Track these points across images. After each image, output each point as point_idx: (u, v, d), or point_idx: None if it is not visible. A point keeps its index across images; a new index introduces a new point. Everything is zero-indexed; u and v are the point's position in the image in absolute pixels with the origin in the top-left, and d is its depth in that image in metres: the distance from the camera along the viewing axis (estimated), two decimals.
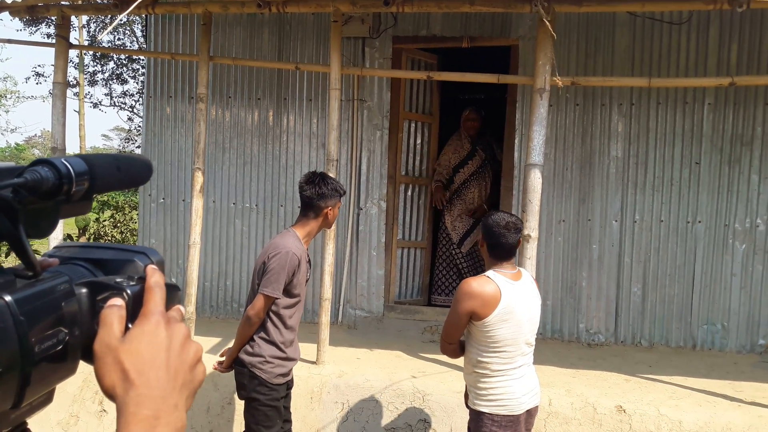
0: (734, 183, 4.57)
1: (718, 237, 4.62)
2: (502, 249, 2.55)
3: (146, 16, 5.25)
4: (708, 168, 4.60)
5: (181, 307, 0.65)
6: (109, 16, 9.32)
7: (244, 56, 5.27)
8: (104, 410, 4.09)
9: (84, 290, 0.59)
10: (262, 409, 2.84)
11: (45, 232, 0.57)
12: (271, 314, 2.81)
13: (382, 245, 5.14)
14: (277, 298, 2.75)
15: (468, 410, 2.76)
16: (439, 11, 4.08)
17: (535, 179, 3.55)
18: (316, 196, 2.79)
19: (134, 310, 0.60)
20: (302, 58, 5.16)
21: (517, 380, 2.56)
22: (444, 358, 4.24)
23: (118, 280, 0.61)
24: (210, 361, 4.03)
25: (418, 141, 5.41)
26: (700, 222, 4.64)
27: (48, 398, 0.59)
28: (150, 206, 5.54)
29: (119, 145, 17.57)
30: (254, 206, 5.31)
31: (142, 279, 0.62)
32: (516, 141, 4.82)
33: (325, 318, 3.99)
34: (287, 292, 2.79)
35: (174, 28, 5.45)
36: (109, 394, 0.58)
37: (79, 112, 12.53)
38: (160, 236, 5.51)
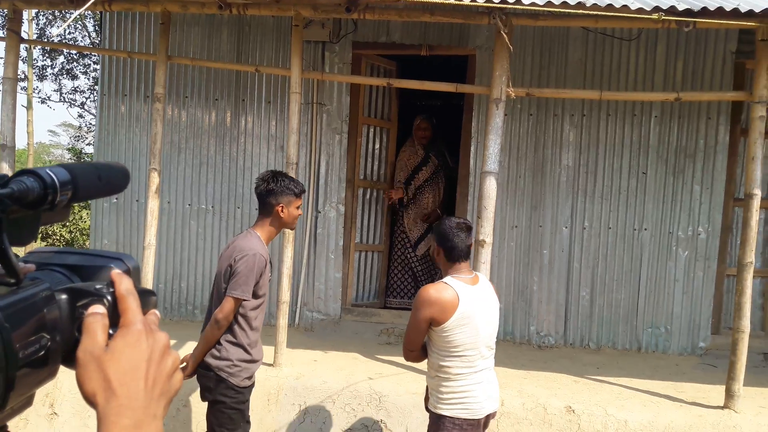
0: (678, 193, 4.78)
1: (663, 244, 4.82)
2: (457, 250, 2.59)
3: (101, 12, 5.12)
4: (654, 178, 4.79)
5: (157, 312, 0.67)
6: (62, 10, 9.01)
7: (202, 56, 5.20)
8: (55, 413, 3.97)
9: (64, 296, 0.60)
10: (228, 412, 2.83)
11: (26, 240, 0.58)
12: (238, 316, 2.81)
13: (340, 248, 5.16)
14: (246, 300, 2.76)
15: (428, 412, 2.80)
16: (399, 20, 4.14)
17: (491, 186, 3.64)
18: (266, 192, 2.81)
19: (113, 316, 0.61)
20: (261, 60, 5.13)
21: (478, 384, 2.60)
22: (401, 359, 4.29)
23: (98, 286, 0.62)
24: None
25: (377, 146, 5.45)
26: (645, 229, 4.82)
27: (28, 402, 0.60)
28: (102, 206, 5.40)
29: (68, 143, 17.00)
30: (210, 208, 5.25)
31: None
32: (472, 149, 4.92)
33: (283, 321, 3.98)
34: (254, 293, 2.79)
35: (130, 25, 5.33)
36: (90, 401, 0.59)
37: (27, 108, 12.06)
38: (113, 237, 5.38)
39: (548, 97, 4.69)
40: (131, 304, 0.62)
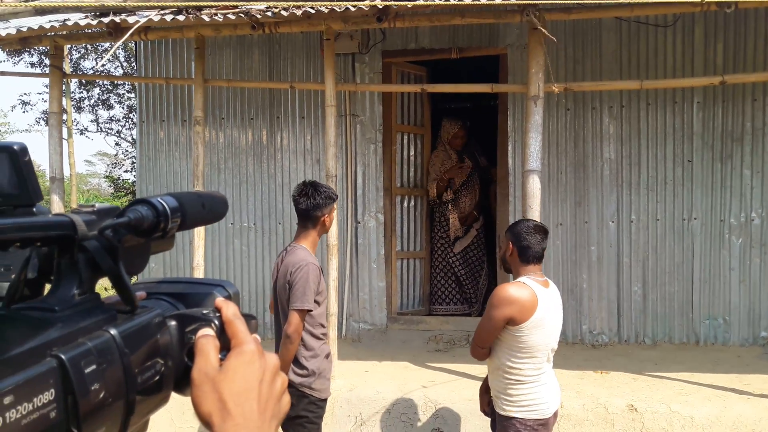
0: (727, 179, 4.65)
1: (715, 233, 4.69)
2: (532, 251, 2.58)
3: (135, 42, 5.27)
4: (700, 165, 4.68)
5: (258, 337, 0.67)
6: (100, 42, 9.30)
7: (235, 77, 5.29)
8: None
9: (173, 323, 0.62)
10: (309, 427, 2.88)
11: (138, 268, 0.60)
12: (308, 328, 2.85)
13: (382, 257, 5.16)
14: (310, 311, 2.78)
15: (486, 415, 2.77)
16: (430, 24, 4.14)
17: (534, 185, 3.60)
18: (312, 206, 2.82)
19: (221, 340, 0.62)
20: (293, 76, 5.19)
21: (543, 385, 2.59)
22: (451, 365, 4.28)
23: (205, 311, 0.63)
24: None
25: (411, 152, 5.45)
26: (695, 219, 4.70)
27: (144, 427, 0.61)
28: None
29: (106, 170, 17.50)
30: (252, 225, 5.32)
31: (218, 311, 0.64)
32: (509, 148, 4.87)
33: (333, 333, 3.99)
34: (316, 303, 2.82)
35: (164, 52, 5.47)
36: (206, 422, 0.60)
37: (67, 140, 12.47)
38: (159, 259, 5.48)
39: (585, 91, 4.63)
40: (240, 326, 0.63)
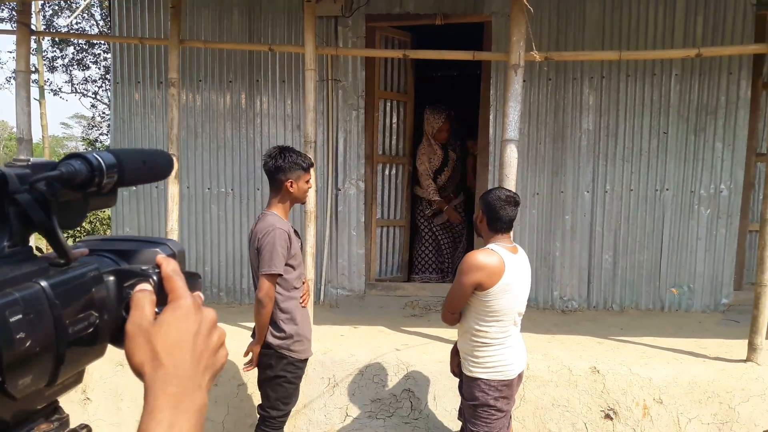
0: (700, 151, 4.73)
1: (685, 203, 4.80)
2: (502, 222, 2.64)
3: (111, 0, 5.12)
4: (675, 137, 4.75)
5: (201, 294, 0.69)
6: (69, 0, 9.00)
7: (214, 39, 5.19)
8: (88, 398, 4.09)
9: (111, 278, 0.63)
10: (287, 386, 2.94)
11: (74, 222, 0.61)
12: (283, 291, 2.87)
13: (362, 225, 5.19)
14: (279, 274, 2.79)
15: (456, 377, 2.86)
16: None
17: (511, 154, 3.63)
18: (274, 169, 2.82)
19: (159, 296, 0.64)
20: (274, 38, 5.11)
21: (509, 348, 2.68)
22: (425, 329, 4.36)
23: (144, 267, 0.65)
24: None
25: (394, 120, 5.43)
26: (667, 190, 4.80)
27: (78, 378, 0.63)
28: (122, 194, 5.45)
29: (82, 132, 17.12)
30: (230, 191, 5.29)
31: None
32: (491, 117, 4.89)
33: (310, 298, 4.03)
34: (290, 266, 2.84)
35: (139, 11, 5.33)
36: (138, 371, 0.62)
37: (39, 100, 12.13)
38: (134, 224, 5.44)
39: (567, 61, 4.65)
40: (178, 282, 0.65)
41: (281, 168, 2.81)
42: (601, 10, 4.70)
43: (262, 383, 3.02)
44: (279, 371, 2.92)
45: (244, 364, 3.06)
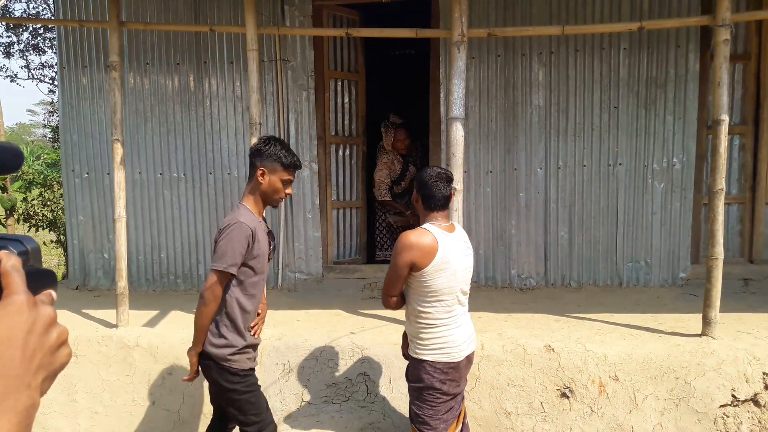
0: (651, 125, 4.74)
1: (639, 177, 4.81)
2: (436, 200, 2.61)
3: None
4: (626, 111, 4.75)
5: (53, 292, 0.69)
6: None
7: (159, 20, 5.05)
8: None
9: None
10: (241, 399, 2.64)
11: None
12: (234, 296, 2.58)
13: (317, 207, 5.13)
14: (231, 274, 2.51)
15: (406, 359, 2.83)
16: None
17: (458, 133, 3.58)
18: (253, 152, 2.61)
19: None
20: (220, 19, 4.98)
21: (456, 328, 2.65)
22: (382, 311, 4.34)
23: None
24: (157, 340, 3.98)
25: (346, 100, 5.35)
26: (620, 164, 4.81)
27: None
28: (74, 182, 5.33)
29: (44, 119, 16.67)
30: (182, 175, 5.19)
31: None
32: (441, 95, 4.84)
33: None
34: (249, 268, 2.55)
35: None
36: None
37: None
38: (88, 212, 5.32)
39: (516, 37, 4.61)
40: (15, 279, 0.64)
41: (259, 152, 2.59)
42: None
43: (215, 398, 2.74)
44: (226, 384, 2.61)
45: (182, 378, 2.78)
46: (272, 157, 2.58)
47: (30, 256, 0.68)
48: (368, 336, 3.89)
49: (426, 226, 2.61)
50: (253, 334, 2.75)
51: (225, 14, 5.00)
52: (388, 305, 2.71)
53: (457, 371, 2.68)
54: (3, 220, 8.80)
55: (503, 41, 4.74)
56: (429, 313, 2.62)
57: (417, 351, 2.67)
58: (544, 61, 4.77)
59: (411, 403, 2.73)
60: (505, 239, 4.97)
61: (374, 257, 5.69)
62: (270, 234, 2.71)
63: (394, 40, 6.68)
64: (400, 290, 2.65)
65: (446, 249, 2.56)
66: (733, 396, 3.39)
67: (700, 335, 3.68)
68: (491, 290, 4.96)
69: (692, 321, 3.93)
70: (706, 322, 3.66)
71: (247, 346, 2.66)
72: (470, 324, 2.78)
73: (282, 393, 3.76)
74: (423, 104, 5.31)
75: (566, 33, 3.61)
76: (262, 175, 2.59)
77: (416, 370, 2.68)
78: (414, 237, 2.54)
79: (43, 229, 8.61)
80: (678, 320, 4.03)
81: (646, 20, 4.09)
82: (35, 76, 12.89)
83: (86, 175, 5.29)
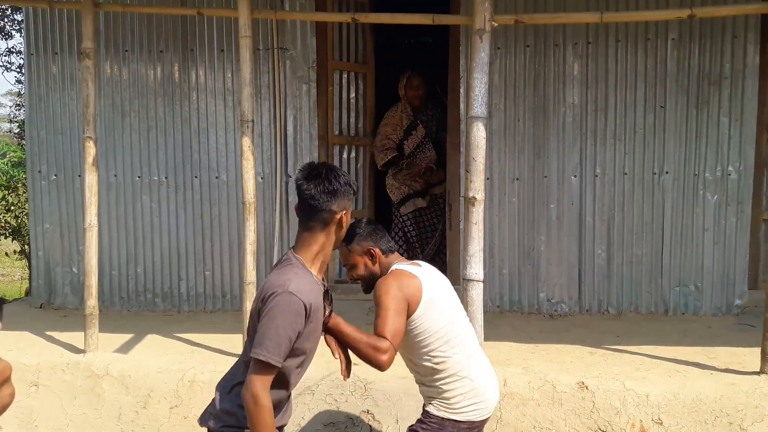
0: (703, 127, 4.69)
1: (688, 188, 4.76)
2: (386, 240, 2.66)
3: None
4: (674, 112, 4.70)
5: None
6: None
7: (141, 2, 5.06)
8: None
9: None
10: None
11: None
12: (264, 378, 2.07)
13: None
14: (276, 367, 2.05)
15: (424, 415, 2.66)
16: None
17: (479, 134, 3.54)
18: (324, 195, 2.12)
19: None
20: (209, 1, 5.00)
21: (481, 374, 2.61)
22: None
23: None
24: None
25: (352, 95, 5.34)
26: (667, 173, 4.76)
27: None
28: (40, 184, 5.33)
29: (9, 113, 16.80)
30: (163, 179, 5.18)
31: None
32: (461, 91, 4.82)
33: (249, 304, 3.94)
34: (294, 354, 2.13)
35: None
36: None
37: None
38: (55, 219, 5.32)
39: (547, 25, 4.58)
40: None
41: (335, 192, 2.13)
42: None
43: None
44: None
45: None
46: (347, 191, 2.18)
47: None
48: (373, 368, 3.84)
49: (395, 266, 2.61)
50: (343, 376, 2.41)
51: None
52: (390, 361, 2.40)
53: (481, 428, 2.65)
54: None
55: (533, 29, 4.70)
56: (445, 360, 2.53)
57: (444, 409, 2.59)
58: (580, 53, 4.73)
59: None
60: (533, 257, 4.92)
61: None
62: (326, 294, 2.27)
63: (409, 27, 6.66)
64: (402, 335, 2.45)
65: (426, 277, 2.58)
66: None
67: (758, 373, 3.60)
68: (516, 316, 4.90)
69: (749, 356, 3.84)
70: (765, 357, 3.58)
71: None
72: (491, 367, 2.73)
73: None
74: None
75: (605, 21, 3.58)
76: (343, 219, 2.19)
77: (439, 429, 2.59)
78: (393, 277, 2.53)
79: (6, 237, 8.61)
80: (732, 355, 3.95)
81: (698, 7, 4.04)
82: (1, 64, 13.00)
83: (54, 177, 5.30)
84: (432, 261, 5.56)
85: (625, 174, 4.79)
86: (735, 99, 4.63)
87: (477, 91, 3.50)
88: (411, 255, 5.57)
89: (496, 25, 3.32)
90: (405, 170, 5.44)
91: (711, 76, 4.64)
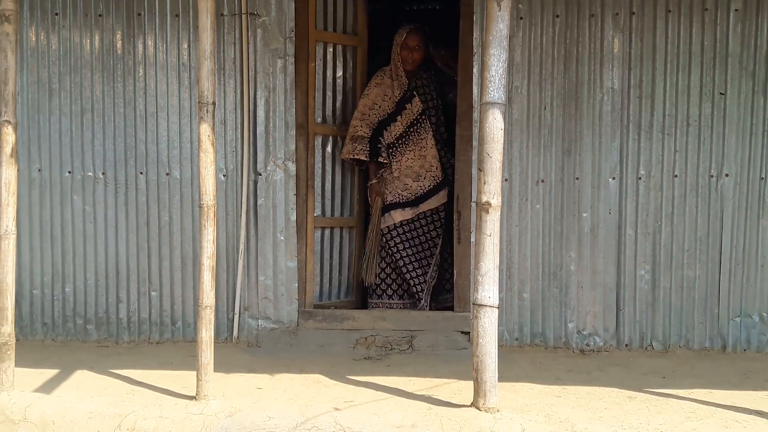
0: None
1: (753, 195, 4.82)
2: None
3: None
4: (737, 100, 4.76)
5: None
6: None
7: None
8: None
9: None
10: None
11: None
12: None
13: (293, 225, 5.13)
14: None
15: None
16: None
17: (495, 124, 3.57)
18: None
19: None
20: None
21: None
22: (384, 380, 4.34)
23: None
24: None
25: (339, 73, 5.40)
26: (727, 176, 4.82)
27: None
28: None
29: None
30: (100, 175, 5.19)
31: None
32: (474, 71, 4.87)
33: (207, 333, 3.94)
34: None
35: None
36: None
37: None
38: None
39: None
40: None
41: None
42: None
43: None
44: None
45: None
46: None
47: None
48: (360, 414, 3.85)
49: None
50: None
51: None
52: None
53: None
54: None
55: None
56: None
57: None
58: (621, 26, 4.79)
59: None
60: (560, 279, 4.96)
61: (366, 303, 5.62)
62: None
63: None
64: None
65: None
66: None
67: None
68: (539, 351, 4.93)
69: None
70: None
71: None
72: None
73: None
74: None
75: None
76: None
77: None
78: None
79: None
80: None
81: None
82: None
83: None
84: (434, 292, 5.57)
85: (675, 177, 4.84)
86: None
87: (494, 70, 3.53)
88: (404, 278, 5.52)
89: None
90: (389, 169, 5.47)
91: None
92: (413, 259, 5.52)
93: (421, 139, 5.45)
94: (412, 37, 5.42)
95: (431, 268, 5.54)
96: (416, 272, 5.51)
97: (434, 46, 5.57)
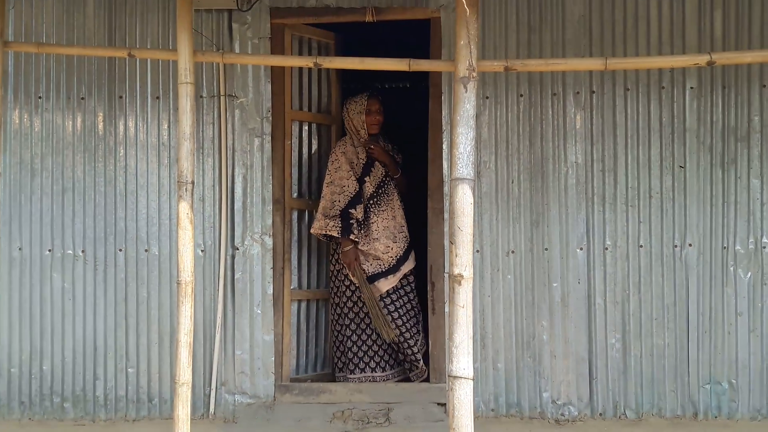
0: (731, 191, 4.87)
1: (716, 264, 4.89)
2: None
3: None
4: (696, 173, 4.88)
5: None
6: None
7: (59, 40, 5.23)
8: None
9: None
10: None
11: None
12: None
13: (270, 299, 5.16)
14: None
15: None
16: None
17: (465, 198, 3.64)
18: None
19: None
20: (143, 41, 5.17)
21: None
22: None
23: None
24: None
25: (313, 150, 5.51)
26: (690, 245, 4.90)
27: None
28: None
29: None
30: (80, 253, 5.22)
31: None
32: (444, 147, 4.99)
33: (183, 411, 3.90)
34: None
35: None
36: None
37: None
38: None
39: (542, 72, 4.79)
40: None
41: None
42: (586, 3, 4.91)
43: None
44: None
45: None
46: None
47: None
48: None
49: None
50: None
51: (151, 32, 5.21)
52: None
53: None
54: None
55: (527, 76, 4.91)
56: None
57: None
58: (582, 104, 4.94)
59: None
60: (533, 348, 4.99)
61: (344, 377, 5.46)
62: None
63: (380, 73, 6.92)
64: None
65: None
66: None
67: None
68: (515, 422, 4.92)
69: None
70: None
71: None
72: None
73: None
74: (422, 155, 5.39)
75: (610, 68, 3.79)
76: None
77: None
78: None
79: None
80: None
81: (718, 52, 4.31)
82: None
83: None
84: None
85: (641, 247, 4.92)
86: (767, 157, 4.85)
87: (462, 148, 3.63)
88: (395, 362, 5.43)
89: (482, 71, 3.48)
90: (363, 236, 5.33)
91: (738, 130, 4.86)
92: (410, 326, 5.39)
93: (390, 199, 5.45)
94: (373, 102, 5.47)
95: (420, 334, 5.46)
96: (414, 339, 5.37)
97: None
